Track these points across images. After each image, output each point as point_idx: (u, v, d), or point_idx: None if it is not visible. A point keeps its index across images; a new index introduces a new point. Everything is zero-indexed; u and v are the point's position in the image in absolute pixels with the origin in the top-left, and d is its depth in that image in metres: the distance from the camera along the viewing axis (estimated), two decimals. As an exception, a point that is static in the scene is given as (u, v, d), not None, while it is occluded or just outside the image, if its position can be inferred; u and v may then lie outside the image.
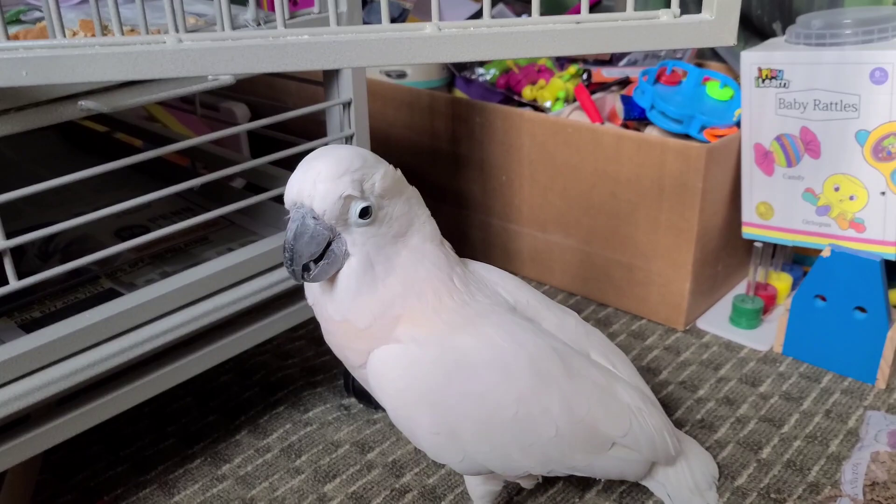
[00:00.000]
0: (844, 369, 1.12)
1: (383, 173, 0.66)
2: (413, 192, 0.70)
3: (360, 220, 0.65)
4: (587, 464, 0.74)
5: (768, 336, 1.20)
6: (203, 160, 1.14)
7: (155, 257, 0.96)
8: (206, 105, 1.48)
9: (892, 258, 1.11)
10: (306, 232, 0.64)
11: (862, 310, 1.08)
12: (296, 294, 0.92)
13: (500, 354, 0.69)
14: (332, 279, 0.68)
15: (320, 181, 0.63)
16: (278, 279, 0.89)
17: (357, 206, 0.64)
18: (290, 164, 0.99)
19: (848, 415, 1.05)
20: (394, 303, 0.68)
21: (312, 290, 0.71)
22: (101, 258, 0.76)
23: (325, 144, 0.94)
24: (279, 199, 1.01)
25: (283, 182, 0.66)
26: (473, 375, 0.68)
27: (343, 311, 0.68)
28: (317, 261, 0.66)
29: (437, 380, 0.68)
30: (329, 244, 0.65)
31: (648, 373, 1.13)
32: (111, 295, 0.86)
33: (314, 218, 0.64)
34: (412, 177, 0.72)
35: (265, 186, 0.97)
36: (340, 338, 0.71)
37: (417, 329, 0.68)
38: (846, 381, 1.11)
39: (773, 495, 0.91)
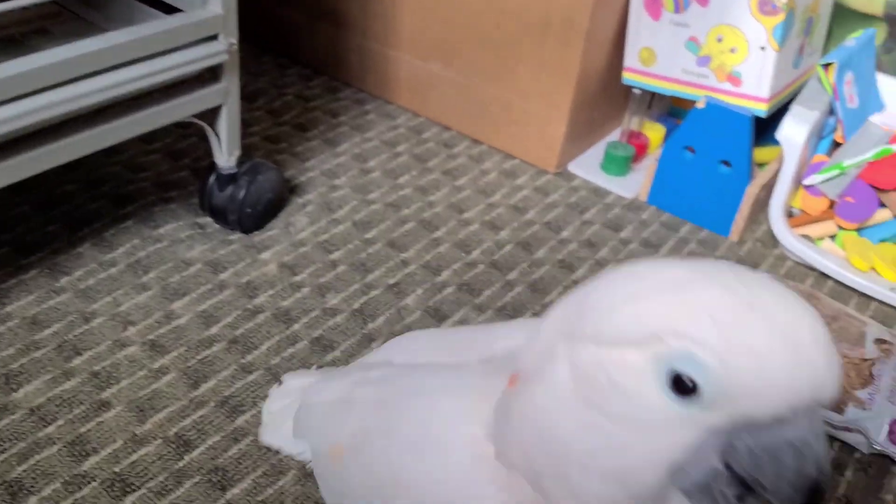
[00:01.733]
0: (703, 221, 1.15)
1: None
2: None
3: None
4: None
5: (636, 184, 1.21)
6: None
7: (-17, 45, 0.86)
8: None
9: (763, 115, 1.12)
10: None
11: (727, 164, 1.10)
12: (145, 99, 0.85)
13: None
14: None
15: (834, 353, 0.36)
16: (125, 78, 0.80)
17: None
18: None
19: (700, 263, 1.08)
20: None
21: None
22: None
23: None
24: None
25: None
26: None
27: None
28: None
29: None
30: None
31: (516, 212, 1.13)
32: (-73, 80, 0.76)
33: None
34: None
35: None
36: None
37: None
38: (703, 233, 1.15)
39: (621, 334, 0.94)
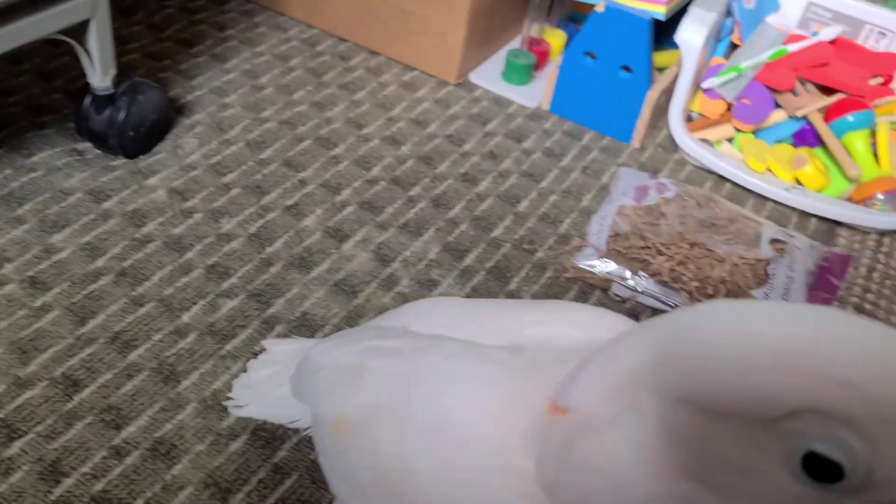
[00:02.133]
0: (605, 128, 1.15)
1: None
2: None
3: None
4: None
5: (538, 93, 1.19)
6: None
7: None
8: None
9: (662, 18, 1.10)
10: None
11: (627, 69, 1.09)
12: (8, 13, 0.77)
13: None
14: None
15: None
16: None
17: None
18: None
19: (602, 171, 1.08)
20: None
21: None
22: None
23: None
24: None
25: None
26: None
27: None
28: None
29: None
30: None
31: (417, 126, 1.10)
32: None
33: None
34: None
35: None
36: None
37: None
38: (605, 140, 1.14)
39: (525, 246, 0.94)
